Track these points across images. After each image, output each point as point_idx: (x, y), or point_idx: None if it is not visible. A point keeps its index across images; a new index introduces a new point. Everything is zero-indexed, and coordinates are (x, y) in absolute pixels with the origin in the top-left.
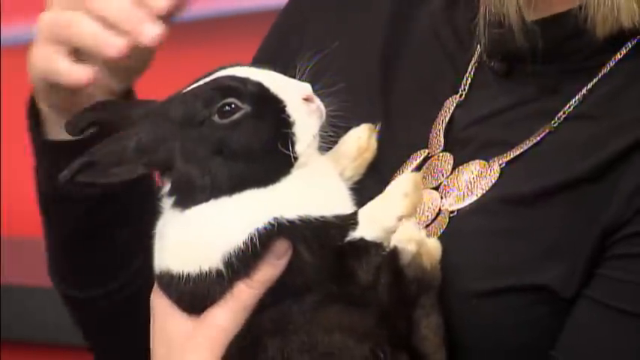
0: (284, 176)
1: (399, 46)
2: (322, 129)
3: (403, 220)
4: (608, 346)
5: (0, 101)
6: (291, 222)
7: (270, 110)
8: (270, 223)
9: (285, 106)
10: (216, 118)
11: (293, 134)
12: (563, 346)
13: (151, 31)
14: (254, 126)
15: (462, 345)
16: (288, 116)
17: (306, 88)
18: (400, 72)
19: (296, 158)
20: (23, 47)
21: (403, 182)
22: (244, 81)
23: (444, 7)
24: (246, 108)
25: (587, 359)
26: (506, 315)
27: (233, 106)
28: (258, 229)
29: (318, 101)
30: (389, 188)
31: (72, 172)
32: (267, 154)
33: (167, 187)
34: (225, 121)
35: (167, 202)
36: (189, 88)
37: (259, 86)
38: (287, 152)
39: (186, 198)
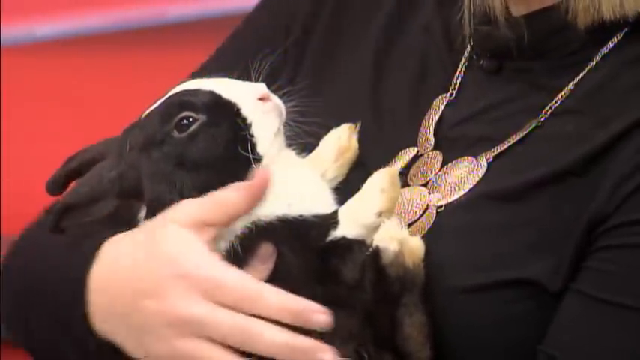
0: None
1: (392, 44)
2: (288, 127)
3: (383, 215)
4: (598, 338)
5: (0, 101)
6: (269, 223)
7: (224, 115)
8: (247, 227)
9: (239, 109)
10: (175, 133)
11: (252, 135)
12: (553, 340)
13: (323, 318)
14: (211, 134)
15: (449, 341)
16: (244, 118)
17: (260, 87)
18: (391, 71)
19: (257, 159)
20: (23, 47)
21: (379, 178)
22: (196, 92)
23: (436, 8)
24: (201, 118)
25: (577, 352)
26: (493, 310)
27: (191, 119)
28: (236, 235)
29: (275, 99)
30: (365, 185)
31: (54, 220)
32: (228, 160)
33: (143, 213)
34: (184, 134)
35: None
36: (145, 113)
37: (211, 94)
38: (246, 155)
39: None
